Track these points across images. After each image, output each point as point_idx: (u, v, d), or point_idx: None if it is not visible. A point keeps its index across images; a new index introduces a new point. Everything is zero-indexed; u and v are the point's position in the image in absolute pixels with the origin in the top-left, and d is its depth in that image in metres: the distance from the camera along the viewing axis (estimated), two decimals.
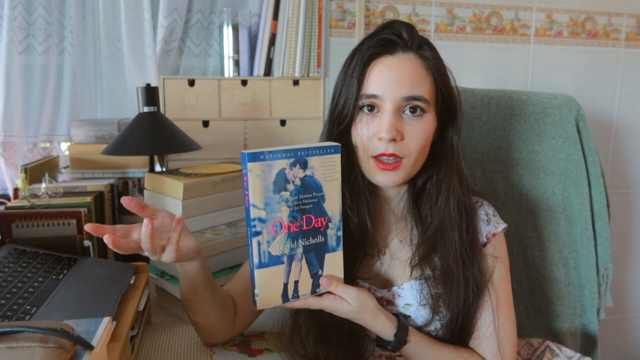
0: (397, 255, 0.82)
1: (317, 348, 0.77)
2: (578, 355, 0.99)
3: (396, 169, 0.74)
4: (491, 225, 0.83)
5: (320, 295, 0.71)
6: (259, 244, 0.65)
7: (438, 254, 0.79)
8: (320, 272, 0.70)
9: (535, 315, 1.19)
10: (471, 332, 0.80)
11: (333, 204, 0.69)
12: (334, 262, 0.71)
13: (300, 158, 0.66)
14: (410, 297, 0.79)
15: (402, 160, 0.74)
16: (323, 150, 0.67)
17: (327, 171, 0.68)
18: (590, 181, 1.15)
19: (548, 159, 1.14)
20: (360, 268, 0.79)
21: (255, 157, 0.62)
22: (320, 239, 0.69)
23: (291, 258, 0.67)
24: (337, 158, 0.69)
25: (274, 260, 0.66)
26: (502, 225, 0.84)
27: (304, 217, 0.67)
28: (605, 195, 1.16)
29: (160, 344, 0.85)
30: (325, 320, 0.76)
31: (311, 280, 0.69)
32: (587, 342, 1.19)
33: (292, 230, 0.66)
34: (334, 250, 0.70)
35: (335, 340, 0.77)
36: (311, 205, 0.67)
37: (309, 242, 0.68)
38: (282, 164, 0.64)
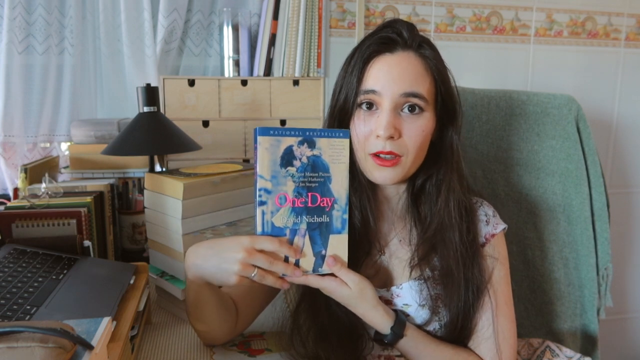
0: (397, 254, 0.82)
1: (317, 347, 0.77)
2: (578, 355, 0.99)
3: (394, 165, 0.74)
4: (490, 225, 0.83)
5: (322, 275, 0.72)
6: (263, 213, 0.68)
7: (438, 255, 0.79)
8: (323, 251, 0.71)
9: (535, 315, 1.19)
10: (470, 333, 0.80)
11: (339, 186, 0.71)
12: (339, 244, 0.72)
13: (308, 137, 0.69)
14: (409, 297, 0.79)
15: (400, 158, 0.74)
16: (331, 134, 0.71)
17: (335, 154, 0.71)
18: (590, 181, 1.14)
19: (548, 159, 1.14)
20: (361, 267, 0.79)
21: (265, 132, 0.68)
22: (325, 218, 0.71)
23: (294, 232, 0.70)
24: (345, 142, 0.71)
25: (277, 232, 0.69)
26: (502, 226, 0.84)
27: (310, 194, 0.70)
28: (605, 195, 1.16)
29: (160, 344, 0.85)
30: (325, 319, 0.77)
31: (314, 258, 0.71)
32: (587, 342, 1.19)
33: (296, 205, 0.69)
34: (339, 232, 0.72)
35: (335, 338, 0.77)
36: (317, 184, 0.70)
37: (314, 220, 0.70)
38: (291, 140, 0.69)
